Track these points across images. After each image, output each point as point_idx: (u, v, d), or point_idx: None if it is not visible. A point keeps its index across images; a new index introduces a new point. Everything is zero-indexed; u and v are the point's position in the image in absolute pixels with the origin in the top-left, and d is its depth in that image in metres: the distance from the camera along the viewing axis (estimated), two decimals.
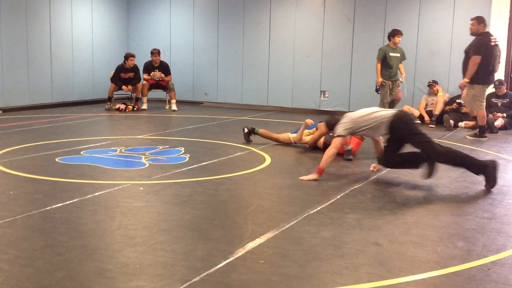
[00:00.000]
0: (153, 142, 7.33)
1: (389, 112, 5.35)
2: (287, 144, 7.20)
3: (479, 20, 8.15)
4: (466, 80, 8.04)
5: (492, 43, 8.04)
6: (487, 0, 9.96)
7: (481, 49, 7.94)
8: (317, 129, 6.90)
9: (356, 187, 5.08)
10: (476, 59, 7.93)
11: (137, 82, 11.24)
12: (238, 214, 4.18)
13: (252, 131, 7.35)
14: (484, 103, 8.21)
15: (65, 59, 11.69)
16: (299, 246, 3.49)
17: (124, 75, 11.16)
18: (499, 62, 8.19)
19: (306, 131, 7.09)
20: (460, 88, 8.65)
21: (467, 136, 8.37)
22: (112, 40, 12.89)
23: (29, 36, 10.85)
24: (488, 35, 8.11)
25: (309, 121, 7.04)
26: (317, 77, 11.45)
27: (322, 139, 6.80)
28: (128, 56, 11.11)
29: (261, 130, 7.41)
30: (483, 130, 8.26)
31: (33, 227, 3.75)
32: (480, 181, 5.45)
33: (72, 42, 11.79)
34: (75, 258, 3.18)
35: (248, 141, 7.32)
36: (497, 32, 9.96)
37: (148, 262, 3.15)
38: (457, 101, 9.78)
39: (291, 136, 7.22)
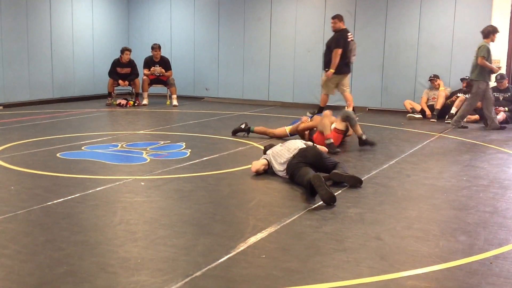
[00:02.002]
0: (154, 137, 7.33)
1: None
2: (283, 137, 7.19)
3: (339, 18, 9.17)
4: (332, 70, 9.02)
5: (349, 39, 9.10)
6: None
7: (341, 43, 8.99)
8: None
9: None
10: (338, 52, 8.94)
11: (135, 77, 11.21)
12: (240, 209, 4.18)
13: (247, 131, 7.43)
14: (349, 89, 9.36)
15: (66, 55, 11.67)
16: (300, 240, 3.48)
17: (121, 70, 11.14)
18: (354, 55, 9.22)
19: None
20: (327, 77, 9.27)
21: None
22: (113, 36, 12.86)
23: (29, 32, 10.83)
24: (346, 31, 9.15)
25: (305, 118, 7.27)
26: (318, 72, 11.40)
27: (307, 132, 6.99)
28: (124, 50, 11.09)
29: (257, 128, 7.48)
30: (321, 110, 8.97)
31: (34, 222, 3.75)
32: (482, 175, 5.44)
33: (72, 37, 11.77)
34: (76, 253, 3.18)
35: (234, 135, 7.43)
36: (498, 27, 9.93)
37: (150, 257, 3.15)
38: (458, 95, 9.76)
39: (286, 128, 7.33)
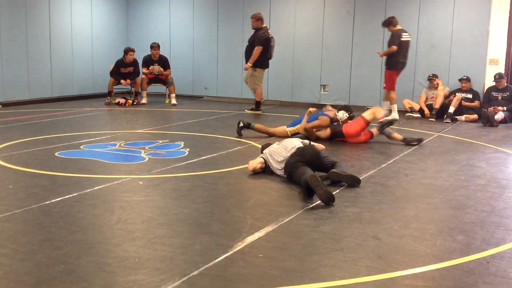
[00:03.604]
0: (152, 136, 7.33)
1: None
2: (283, 137, 7.18)
3: (257, 18, 10.00)
4: (249, 64, 9.94)
5: (269, 36, 10.00)
6: None
7: (262, 40, 9.87)
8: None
9: None
10: (259, 49, 9.86)
11: (136, 76, 11.23)
12: (237, 208, 4.18)
13: (247, 126, 7.38)
14: (262, 83, 10.29)
15: (65, 53, 11.67)
16: (298, 240, 3.49)
17: (124, 69, 11.15)
18: (273, 50, 10.19)
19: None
20: (245, 70, 10.27)
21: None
22: (112, 34, 12.85)
23: (28, 31, 10.82)
24: (265, 29, 10.05)
25: (313, 109, 7.24)
26: (317, 71, 11.43)
27: (328, 130, 7.13)
28: (127, 51, 11.10)
29: (257, 125, 7.45)
30: (259, 105, 10.29)
31: (32, 221, 3.75)
32: (479, 174, 5.45)
33: (71, 36, 11.76)
34: (74, 252, 3.18)
35: (240, 135, 7.36)
36: (497, 26, 9.95)
37: (147, 256, 3.15)
38: (457, 94, 9.76)
39: (288, 129, 7.29)
